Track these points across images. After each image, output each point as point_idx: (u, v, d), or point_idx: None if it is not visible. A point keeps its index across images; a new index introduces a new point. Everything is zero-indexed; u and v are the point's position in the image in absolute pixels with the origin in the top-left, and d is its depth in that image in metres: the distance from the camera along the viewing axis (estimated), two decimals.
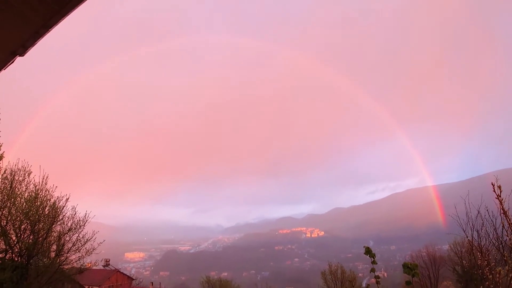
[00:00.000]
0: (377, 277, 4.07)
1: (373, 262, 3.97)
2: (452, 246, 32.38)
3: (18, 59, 4.00)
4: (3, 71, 4.18)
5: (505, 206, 4.23)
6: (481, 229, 9.52)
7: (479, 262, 6.19)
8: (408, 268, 3.37)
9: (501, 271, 4.52)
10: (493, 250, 9.36)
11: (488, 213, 9.16)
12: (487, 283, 4.68)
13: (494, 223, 9.17)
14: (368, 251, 3.94)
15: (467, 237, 9.69)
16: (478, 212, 9.48)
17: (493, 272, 4.99)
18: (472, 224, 9.66)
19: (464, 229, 9.91)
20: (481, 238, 9.57)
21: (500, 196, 4.06)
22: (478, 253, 8.72)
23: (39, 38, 3.56)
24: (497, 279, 4.54)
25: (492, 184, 4.13)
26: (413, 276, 3.36)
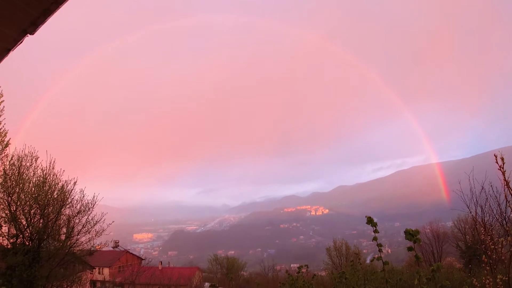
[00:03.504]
0: (379, 245, 4.16)
1: (375, 231, 4.06)
2: (455, 222, 32.64)
3: (26, 39, 3.88)
4: (11, 52, 4.05)
5: (509, 182, 4.24)
6: (485, 205, 9.55)
7: (482, 237, 6.26)
8: (409, 234, 3.42)
9: (503, 241, 4.57)
10: (496, 225, 9.45)
11: (492, 189, 9.18)
12: (489, 252, 4.75)
13: (498, 198, 9.21)
14: (370, 221, 4.02)
15: (470, 212, 9.74)
16: (482, 187, 9.48)
17: (495, 246, 5.07)
18: (476, 200, 9.67)
19: (468, 205, 9.93)
20: (485, 214, 9.61)
21: (502, 168, 4.05)
22: (482, 229, 8.81)
23: (49, 15, 3.44)
24: (499, 249, 4.61)
25: (494, 155, 4.12)
26: (414, 242, 3.41)
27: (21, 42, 3.71)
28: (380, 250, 4.18)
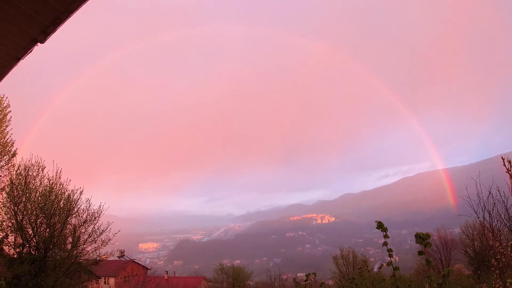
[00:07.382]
0: (390, 250, 4.11)
1: (385, 236, 4.01)
2: (463, 228, 32.20)
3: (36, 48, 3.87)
4: (21, 61, 4.06)
5: None
6: (493, 210, 9.43)
7: (491, 243, 6.18)
8: (420, 238, 3.38)
9: None
10: (505, 231, 9.33)
11: (500, 193, 9.07)
12: (498, 257, 4.70)
13: (505, 203, 9.10)
14: (380, 225, 3.97)
15: (478, 218, 9.63)
16: (490, 192, 9.38)
17: (504, 250, 5.01)
18: (484, 205, 9.56)
19: (476, 210, 9.83)
20: (493, 219, 9.50)
21: (510, 171, 4.03)
22: (490, 234, 8.70)
23: (60, 24, 3.48)
24: (509, 253, 4.56)
25: (502, 158, 4.10)
26: (425, 246, 3.37)
27: (31, 51, 3.76)
28: (390, 255, 4.13)
